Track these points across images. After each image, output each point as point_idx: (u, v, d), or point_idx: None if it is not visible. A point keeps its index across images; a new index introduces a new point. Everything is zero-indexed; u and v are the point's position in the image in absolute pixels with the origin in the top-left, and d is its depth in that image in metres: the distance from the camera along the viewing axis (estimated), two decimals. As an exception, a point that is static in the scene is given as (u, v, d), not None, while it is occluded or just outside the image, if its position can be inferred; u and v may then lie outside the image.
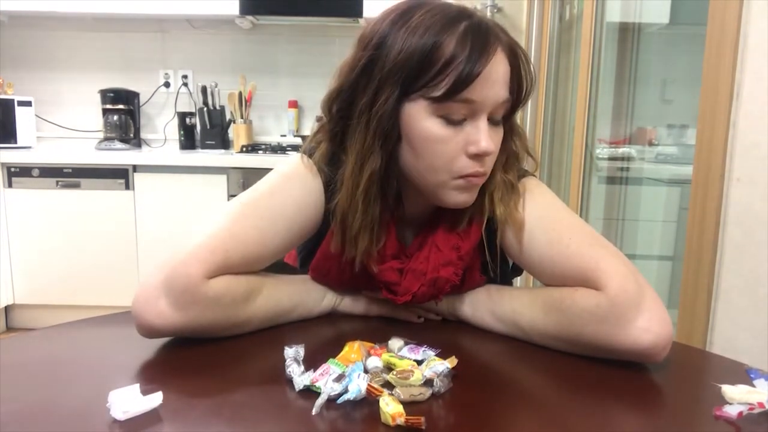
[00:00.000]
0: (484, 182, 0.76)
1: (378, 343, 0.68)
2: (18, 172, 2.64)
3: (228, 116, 3.04)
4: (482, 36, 0.68)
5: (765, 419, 0.56)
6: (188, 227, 2.56)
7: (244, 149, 2.87)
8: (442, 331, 0.80)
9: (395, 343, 0.68)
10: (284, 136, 3.14)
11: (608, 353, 0.67)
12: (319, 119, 0.81)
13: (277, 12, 2.84)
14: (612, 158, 2.28)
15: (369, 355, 0.65)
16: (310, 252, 0.83)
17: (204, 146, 3.03)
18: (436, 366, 0.60)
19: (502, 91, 0.70)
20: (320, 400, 0.55)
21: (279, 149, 2.87)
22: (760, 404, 0.56)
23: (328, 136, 0.78)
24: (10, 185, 2.64)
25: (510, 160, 0.79)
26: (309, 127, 3.07)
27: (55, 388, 0.60)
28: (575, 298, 0.69)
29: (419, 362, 0.63)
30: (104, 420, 0.52)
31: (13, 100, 2.86)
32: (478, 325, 0.79)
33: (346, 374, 0.58)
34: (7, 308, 2.78)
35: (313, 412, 0.54)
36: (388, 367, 0.63)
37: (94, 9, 2.82)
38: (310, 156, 0.80)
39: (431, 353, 0.65)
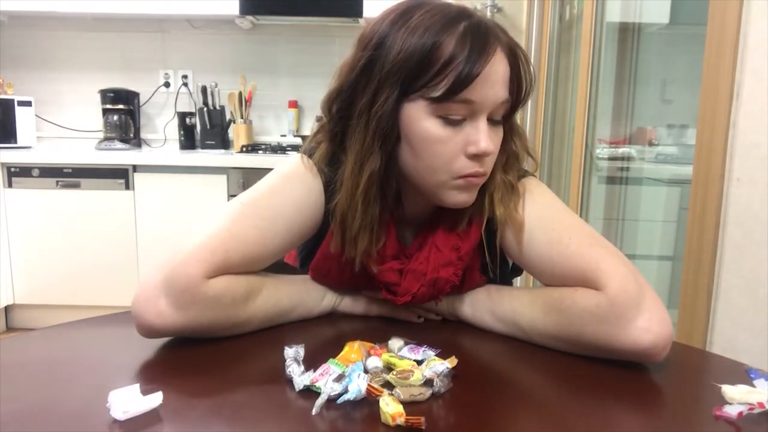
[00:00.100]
0: (484, 183, 0.76)
1: (378, 343, 0.68)
2: (18, 172, 2.64)
3: (228, 116, 3.04)
4: (482, 36, 0.68)
5: (765, 419, 0.56)
6: (188, 227, 2.56)
7: (244, 149, 2.87)
8: (442, 331, 0.80)
9: (395, 343, 0.68)
10: (284, 136, 3.14)
11: (608, 353, 0.67)
12: (319, 119, 0.81)
13: (277, 12, 2.84)
14: (612, 158, 2.28)
15: (369, 355, 0.65)
16: (310, 252, 0.83)
17: (204, 146, 3.03)
18: (436, 366, 0.60)
19: (501, 92, 0.70)
20: (320, 400, 0.55)
21: (279, 149, 2.87)
22: (760, 404, 0.56)
23: (328, 136, 0.78)
24: (10, 185, 2.64)
25: (510, 161, 0.79)
26: (309, 127, 3.07)
27: (55, 388, 0.60)
28: (575, 298, 0.69)
29: (419, 362, 0.63)
30: (104, 420, 0.52)
31: (13, 100, 2.86)
32: (478, 325, 0.79)
33: (346, 374, 0.58)
34: (7, 308, 2.78)
35: (313, 412, 0.54)
36: (388, 367, 0.63)
37: (94, 9, 2.82)
38: (310, 156, 0.80)
39: (431, 353, 0.65)
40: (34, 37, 3.09)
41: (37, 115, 3.04)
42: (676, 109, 2.26)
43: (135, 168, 2.63)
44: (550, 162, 2.49)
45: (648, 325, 0.65)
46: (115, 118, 2.98)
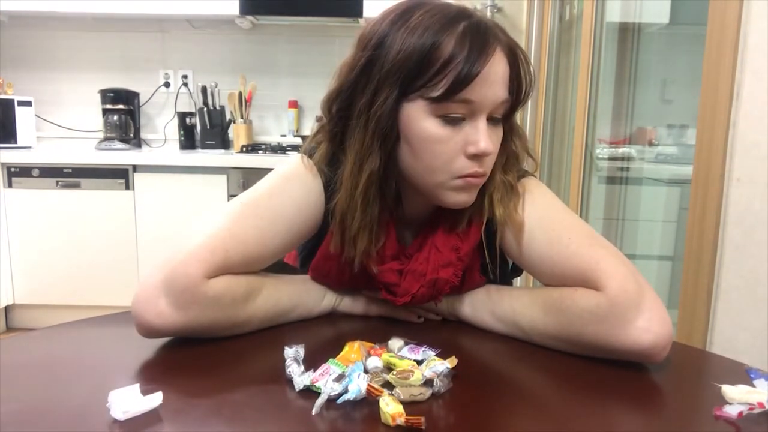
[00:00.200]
0: (484, 183, 0.75)
1: (378, 343, 0.68)
2: (18, 172, 2.64)
3: (228, 116, 3.04)
4: (481, 36, 0.68)
5: (765, 419, 0.56)
6: (188, 227, 2.56)
7: (244, 149, 2.87)
8: (442, 331, 0.80)
9: (395, 343, 0.68)
10: (284, 136, 3.14)
11: (608, 353, 0.67)
12: (319, 119, 0.81)
13: (277, 12, 2.84)
14: (612, 158, 2.28)
15: (369, 355, 0.65)
16: (310, 252, 0.83)
17: (204, 146, 3.03)
18: (436, 366, 0.60)
19: (501, 91, 0.70)
20: (320, 400, 0.55)
21: (279, 149, 2.87)
22: (760, 404, 0.56)
23: (328, 136, 0.78)
24: (10, 185, 2.64)
25: (510, 161, 0.79)
26: (309, 127, 3.07)
27: (55, 388, 0.60)
28: (575, 298, 0.69)
29: (419, 362, 0.63)
30: (104, 420, 0.52)
31: (13, 100, 2.86)
32: (478, 325, 0.79)
33: (346, 374, 0.58)
34: (7, 308, 2.78)
35: (313, 412, 0.54)
36: (388, 367, 0.63)
37: (94, 9, 2.82)
38: (310, 156, 0.80)
39: (431, 353, 0.65)
40: (34, 37, 3.09)
41: (37, 115, 3.04)
42: (676, 109, 2.26)
43: (135, 168, 2.63)
44: (550, 162, 2.49)
45: (648, 325, 0.65)
46: (115, 118, 2.98)
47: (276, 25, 3.06)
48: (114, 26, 3.06)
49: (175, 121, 3.09)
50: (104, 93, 3.00)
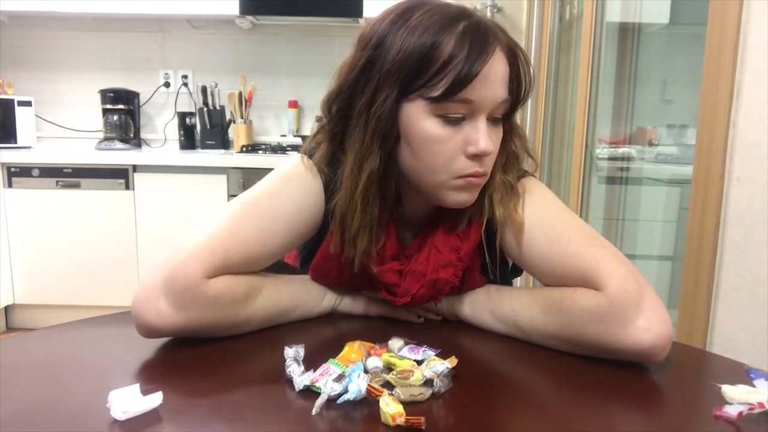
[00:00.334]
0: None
1: (378, 343, 0.68)
2: (18, 172, 2.64)
3: (228, 116, 3.04)
4: (481, 36, 0.68)
5: (765, 419, 0.56)
6: (188, 227, 2.56)
7: (244, 149, 2.87)
8: (442, 331, 0.80)
9: (395, 343, 0.68)
10: (284, 136, 3.14)
11: (608, 353, 0.67)
12: (319, 119, 0.81)
13: (277, 12, 2.84)
14: (612, 158, 2.28)
15: (369, 355, 0.65)
16: (311, 252, 0.83)
17: (204, 146, 3.03)
18: (436, 366, 0.60)
19: (500, 91, 0.70)
20: (320, 400, 0.55)
21: (279, 149, 2.87)
22: (760, 404, 0.56)
23: (328, 136, 0.78)
24: (10, 185, 2.64)
25: (510, 161, 0.79)
26: (309, 127, 3.07)
27: (55, 388, 0.60)
28: (575, 298, 0.69)
29: (419, 362, 0.63)
30: (104, 420, 0.52)
31: (13, 100, 2.86)
32: (478, 325, 0.79)
33: (346, 374, 0.58)
34: (7, 308, 2.78)
35: (313, 412, 0.54)
36: (388, 367, 0.63)
37: (94, 9, 2.82)
38: (310, 156, 0.80)
39: (431, 353, 0.65)
40: (34, 37, 3.09)
41: (37, 115, 3.04)
42: (676, 109, 2.26)
43: (135, 168, 2.63)
44: (550, 162, 2.49)
45: (648, 325, 0.65)
46: (115, 118, 2.98)
47: (276, 25, 3.06)
48: (114, 26, 3.06)
49: (175, 121, 3.09)
50: (104, 93, 3.00)
